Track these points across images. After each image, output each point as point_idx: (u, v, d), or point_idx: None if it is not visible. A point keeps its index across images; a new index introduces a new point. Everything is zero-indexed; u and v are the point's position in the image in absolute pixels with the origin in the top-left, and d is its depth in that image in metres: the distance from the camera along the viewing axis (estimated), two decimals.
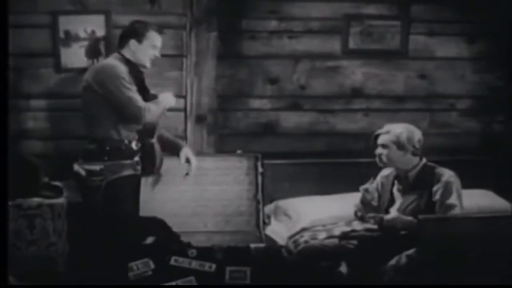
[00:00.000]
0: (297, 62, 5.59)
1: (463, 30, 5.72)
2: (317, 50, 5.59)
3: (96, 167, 4.36)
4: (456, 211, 4.21)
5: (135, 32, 4.51)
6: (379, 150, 4.44)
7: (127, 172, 4.43)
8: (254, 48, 5.51)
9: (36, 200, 4.66)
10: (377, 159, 4.45)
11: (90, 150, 4.40)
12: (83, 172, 4.37)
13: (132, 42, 4.49)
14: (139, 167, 4.50)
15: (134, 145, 4.46)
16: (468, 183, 4.68)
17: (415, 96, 5.75)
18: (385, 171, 4.57)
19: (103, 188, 4.34)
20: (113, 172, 4.38)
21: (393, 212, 4.41)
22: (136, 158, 4.48)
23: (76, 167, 4.40)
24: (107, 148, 4.38)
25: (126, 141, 4.42)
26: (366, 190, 4.42)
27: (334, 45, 5.60)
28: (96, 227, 4.37)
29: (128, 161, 4.44)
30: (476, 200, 4.99)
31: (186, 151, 4.75)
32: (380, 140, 4.43)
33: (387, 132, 4.43)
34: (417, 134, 4.44)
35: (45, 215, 4.63)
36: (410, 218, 4.25)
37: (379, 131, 4.46)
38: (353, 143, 5.53)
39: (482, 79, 5.80)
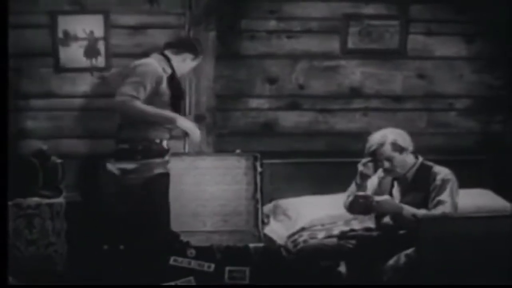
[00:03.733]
0: (296, 61, 5.59)
1: (461, 29, 5.72)
2: (316, 50, 5.59)
3: (131, 165, 4.39)
4: (446, 207, 4.21)
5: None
6: (386, 165, 4.39)
7: (159, 170, 4.50)
8: (253, 48, 5.51)
9: (35, 200, 4.66)
10: (388, 173, 4.44)
11: (122, 150, 4.44)
12: (117, 171, 4.40)
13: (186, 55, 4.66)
14: (169, 166, 4.58)
15: (165, 144, 4.54)
16: (466, 182, 4.69)
17: (414, 96, 5.75)
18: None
19: (140, 186, 4.37)
20: (147, 171, 4.44)
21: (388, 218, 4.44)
22: (167, 157, 4.57)
23: (109, 166, 4.43)
24: (140, 147, 4.42)
25: (157, 140, 4.49)
26: (365, 165, 4.43)
27: (333, 44, 5.61)
28: (128, 225, 4.39)
29: (159, 160, 4.50)
30: (475, 200, 5.00)
31: (182, 123, 4.58)
32: (382, 155, 4.38)
33: (382, 145, 4.37)
34: (405, 133, 4.44)
35: (44, 214, 4.64)
36: (399, 204, 4.27)
37: (372, 147, 4.39)
38: (352, 143, 5.52)
39: (481, 79, 5.80)
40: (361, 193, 4.34)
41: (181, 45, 4.71)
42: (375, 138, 4.41)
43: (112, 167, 4.46)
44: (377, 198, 4.29)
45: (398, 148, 4.35)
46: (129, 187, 4.41)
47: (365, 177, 4.45)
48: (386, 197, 4.34)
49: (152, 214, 4.43)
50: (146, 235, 4.37)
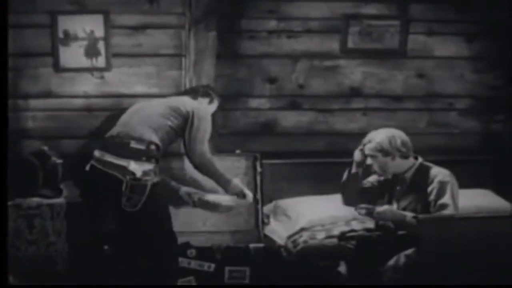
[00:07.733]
0: (296, 61, 5.58)
1: (462, 29, 5.72)
2: (316, 50, 5.58)
3: (149, 167, 4.36)
4: (449, 210, 4.22)
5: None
6: (368, 161, 4.44)
7: (159, 176, 4.48)
8: (253, 48, 5.51)
9: (35, 200, 4.66)
10: (373, 170, 4.48)
11: (139, 151, 4.39)
12: (139, 172, 4.33)
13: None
14: None
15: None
16: (467, 182, 4.70)
17: (414, 96, 5.75)
18: None
19: (149, 188, 4.32)
20: (157, 175, 4.42)
21: None
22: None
23: (133, 165, 4.33)
24: (154, 150, 4.42)
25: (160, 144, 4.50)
26: (361, 151, 4.50)
27: (333, 44, 5.60)
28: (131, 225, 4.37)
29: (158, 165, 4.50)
30: (475, 200, 4.99)
31: (236, 184, 4.75)
32: (366, 151, 4.42)
33: (370, 142, 4.41)
34: (400, 137, 4.41)
35: (45, 215, 4.64)
36: (402, 212, 4.28)
37: (364, 141, 4.46)
38: (352, 143, 5.50)
39: (481, 79, 5.80)
40: (362, 205, 4.35)
41: (195, 92, 4.94)
42: (371, 134, 4.45)
43: (136, 166, 4.33)
44: (379, 209, 4.29)
45: (380, 148, 4.36)
46: (140, 187, 4.35)
47: (359, 165, 4.49)
48: (387, 207, 4.33)
49: (157, 219, 4.39)
50: (153, 239, 4.34)
